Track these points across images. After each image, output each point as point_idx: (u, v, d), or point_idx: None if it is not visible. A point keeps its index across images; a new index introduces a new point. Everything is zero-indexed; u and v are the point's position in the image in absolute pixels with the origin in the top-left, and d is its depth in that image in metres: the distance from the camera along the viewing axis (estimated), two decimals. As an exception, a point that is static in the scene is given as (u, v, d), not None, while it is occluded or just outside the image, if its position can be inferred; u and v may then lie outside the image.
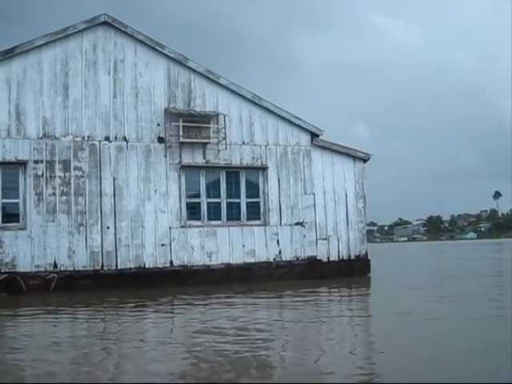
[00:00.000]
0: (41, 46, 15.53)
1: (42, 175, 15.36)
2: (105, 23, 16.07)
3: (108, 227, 15.69)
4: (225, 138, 16.85)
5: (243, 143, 17.32)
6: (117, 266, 15.68)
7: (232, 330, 9.08)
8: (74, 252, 15.38)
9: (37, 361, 6.94)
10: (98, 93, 15.93)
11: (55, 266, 15.20)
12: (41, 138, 15.42)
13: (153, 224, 16.22)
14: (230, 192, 17.28)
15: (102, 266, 15.58)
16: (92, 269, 15.46)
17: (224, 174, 17.24)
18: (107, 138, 15.91)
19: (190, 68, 16.86)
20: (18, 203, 15.26)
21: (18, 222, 15.20)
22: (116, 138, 15.99)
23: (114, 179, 15.87)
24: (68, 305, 12.66)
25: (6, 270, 14.82)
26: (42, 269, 15.09)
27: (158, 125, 16.44)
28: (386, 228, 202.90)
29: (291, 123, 17.95)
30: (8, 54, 15.24)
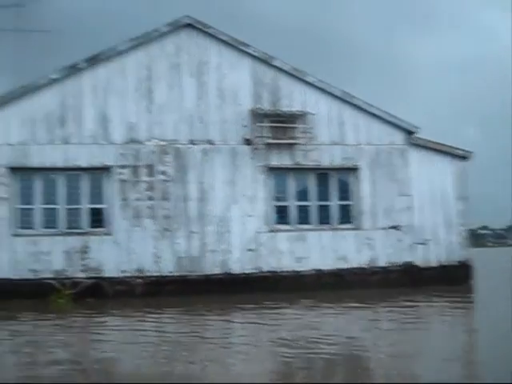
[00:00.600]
0: (124, 51, 15.54)
1: (128, 180, 15.29)
2: (188, 25, 15.83)
3: (194, 232, 15.34)
4: (313, 138, 16.11)
5: (333, 143, 16.45)
6: (203, 271, 15.27)
7: (321, 338, 8.47)
8: (159, 257, 15.15)
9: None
10: (182, 96, 15.70)
11: (141, 271, 15.04)
12: (126, 143, 15.38)
13: (240, 228, 15.70)
14: (320, 194, 16.44)
15: (188, 271, 15.23)
16: (178, 274, 15.15)
17: (313, 175, 16.43)
18: (192, 142, 15.61)
19: (275, 67, 16.25)
20: (104, 208, 15.27)
21: (104, 227, 15.20)
22: (201, 140, 15.66)
23: (199, 183, 15.53)
24: (154, 309, 12.42)
25: (93, 275, 14.83)
26: (128, 274, 14.97)
27: (244, 126, 15.95)
28: (500, 232, 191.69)
29: (384, 121, 16.86)
30: (92, 61, 15.36)
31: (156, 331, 10.04)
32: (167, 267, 15.15)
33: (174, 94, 15.67)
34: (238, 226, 15.68)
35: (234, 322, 11.46)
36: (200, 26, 15.92)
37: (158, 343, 8.71)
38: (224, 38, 16.06)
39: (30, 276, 14.71)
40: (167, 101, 15.63)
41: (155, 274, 15.08)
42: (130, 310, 12.63)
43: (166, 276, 15.09)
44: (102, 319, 11.80)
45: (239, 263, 15.59)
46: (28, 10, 17.83)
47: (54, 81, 15.23)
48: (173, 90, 15.68)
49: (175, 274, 15.15)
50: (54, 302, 14.00)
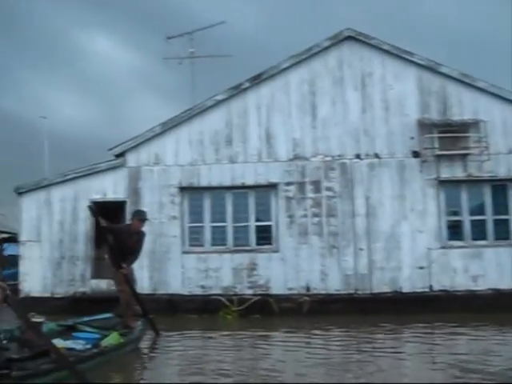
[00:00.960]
0: (287, 68, 15.54)
1: (294, 197, 15.20)
2: (349, 38, 15.50)
3: (361, 249, 14.86)
4: (488, 148, 15.01)
5: (511, 152, 15.21)
6: (371, 289, 14.72)
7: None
8: (326, 275, 14.83)
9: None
10: (346, 110, 15.37)
11: (308, 289, 14.80)
12: (291, 160, 15.33)
13: (409, 245, 14.94)
14: (496, 208, 15.19)
15: (356, 289, 14.75)
16: (345, 292, 14.72)
17: (488, 187, 15.26)
18: (358, 156, 15.19)
19: (442, 74, 15.37)
20: (270, 225, 15.28)
21: (271, 244, 15.20)
22: (367, 154, 15.20)
23: (366, 198, 15.05)
24: (321, 326, 12.15)
25: (260, 292, 14.84)
26: (295, 291, 14.80)
27: (411, 138, 15.23)
28: None
29: None
30: (256, 80, 15.52)
31: (324, 348, 9.76)
32: (334, 285, 14.79)
33: (337, 108, 15.39)
34: (408, 242, 14.94)
35: (404, 342, 10.94)
36: (362, 38, 15.52)
37: (326, 361, 8.39)
38: (387, 47, 15.51)
39: (199, 292, 15.06)
40: (331, 115, 15.38)
41: (322, 292, 14.77)
42: (296, 327, 12.40)
43: (333, 294, 14.73)
44: (270, 335, 11.65)
45: (409, 281, 14.82)
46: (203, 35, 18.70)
47: (220, 102, 15.61)
48: (336, 104, 15.41)
49: (342, 292, 14.74)
50: (223, 317, 14.21)
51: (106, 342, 8.00)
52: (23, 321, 6.79)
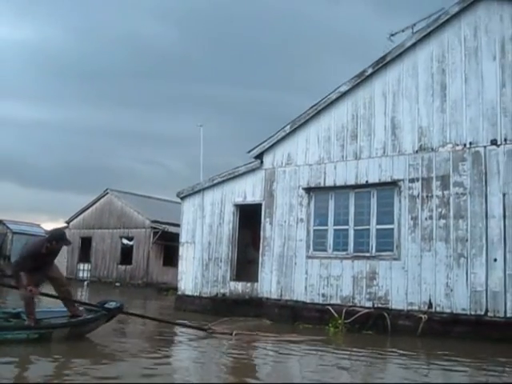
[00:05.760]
0: (412, 45, 13.27)
1: (418, 195, 12.84)
2: (485, -3, 12.47)
3: (495, 259, 11.69)
4: None
5: None
6: (505, 312, 11.42)
7: None
8: (451, 290, 12.08)
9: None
10: (481, 86, 12.33)
11: (430, 305, 12.29)
12: (416, 152, 13.00)
13: None
14: None
15: (486, 310, 11.64)
16: (473, 313, 11.75)
17: None
18: (494, 142, 12.03)
19: None
20: (391, 229, 13.18)
21: (391, 250, 13.10)
22: (506, 139, 11.92)
23: (503, 195, 11.80)
24: (442, 355, 9.63)
25: (378, 305, 12.92)
26: (416, 307, 12.44)
27: None
28: None
29: None
30: (380, 64, 13.65)
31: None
32: (460, 303, 11.92)
33: (471, 85, 12.45)
34: None
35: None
36: (504, -6, 12.32)
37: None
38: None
39: (320, 301, 13.87)
40: (463, 95, 12.54)
41: (446, 311, 12.07)
42: (412, 351, 10.25)
43: (458, 314, 11.90)
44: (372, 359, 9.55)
45: None
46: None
47: (345, 93, 14.20)
48: (470, 80, 12.48)
49: (469, 312, 11.80)
50: (327, 330, 12.83)
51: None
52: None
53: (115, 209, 35.78)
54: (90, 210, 37.24)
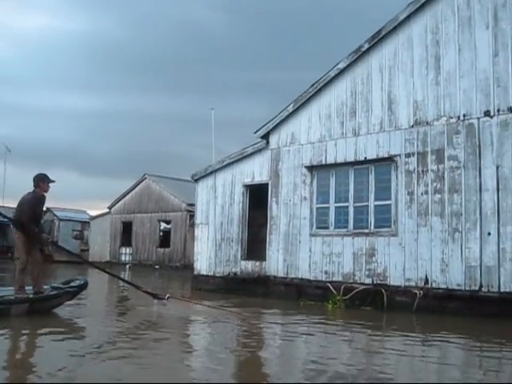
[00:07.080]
0: (406, 18, 13.03)
1: (414, 170, 12.69)
2: (481, -37, 12.07)
3: (489, 233, 11.46)
4: None
5: None
6: (499, 287, 11.22)
7: None
8: (447, 265, 11.94)
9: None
10: (474, 56, 12.02)
11: (426, 281, 12.19)
12: (412, 127, 12.82)
13: (561, 229, 10.91)
14: None
15: (480, 286, 11.46)
16: (468, 289, 11.60)
17: None
18: (487, 113, 11.74)
19: None
20: (389, 205, 13.09)
21: (389, 226, 13.01)
22: (499, 110, 11.61)
23: (497, 167, 11.53)
24: (437, 332, 9.43)
25: (376, 282, 12.91)
26: (413, 283, 12.36)
27: None
28: None
29: None
30: (375, 39, 13.47)
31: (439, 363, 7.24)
32: (455, 279, 11.78)
33: (464, 55, 12.15)
34: (559, 225, 10.90)
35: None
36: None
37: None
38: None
39: (323, 278, 13.95)
40: (457, 66, 12.26)
41: (442, 287, 11.95)
42: (407, 327, 10.39)
43: (453, 289, 11.76)
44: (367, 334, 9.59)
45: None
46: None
47: (344, 70, 14.09)
48: (463, 51, 12.18)
49: (463, 288, 11.65)
50: (325, 307, 12.93)
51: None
52: None
53: (153, 193, 36.57)
54: (130, 195, 38.15)
